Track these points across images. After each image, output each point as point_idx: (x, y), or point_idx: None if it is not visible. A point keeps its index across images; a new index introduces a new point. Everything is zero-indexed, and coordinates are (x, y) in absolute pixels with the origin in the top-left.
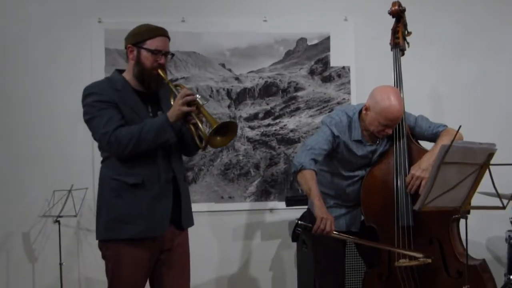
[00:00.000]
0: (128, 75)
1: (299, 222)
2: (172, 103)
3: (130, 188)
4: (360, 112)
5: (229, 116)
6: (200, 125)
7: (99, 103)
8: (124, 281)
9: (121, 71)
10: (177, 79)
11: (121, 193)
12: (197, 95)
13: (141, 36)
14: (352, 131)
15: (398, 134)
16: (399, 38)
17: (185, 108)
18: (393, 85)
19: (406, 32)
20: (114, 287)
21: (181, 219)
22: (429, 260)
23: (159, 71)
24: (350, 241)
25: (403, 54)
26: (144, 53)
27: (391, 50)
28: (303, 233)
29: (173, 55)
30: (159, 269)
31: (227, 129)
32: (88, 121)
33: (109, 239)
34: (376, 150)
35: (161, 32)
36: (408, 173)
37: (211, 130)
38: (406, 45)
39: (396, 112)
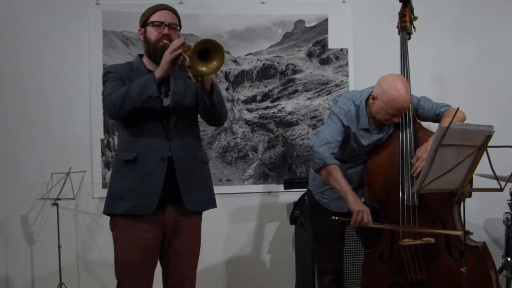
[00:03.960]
0: (145, 58)
1: (336, 218)
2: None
3: (125, 164)
4: (366, 100)
5: (227, 99)
6: (187, 60)
7: (110, 78)
8: (123, 256)
9: (142, 56)
10: None
11: (119, 169)
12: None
13: (144, 16)
14: (360, 120)
15: (405, 121)
16: (406, 22)
17: (170, 56)
18: (400, 68)
19: (412, 16)
20: (117, 264)
21: (182, 200)
22: (432, 240)
23: (165, 41)
24: (383, 229)
25: (409, 38)
26: (148, 28)
27: (398, 34)
28: (302, 215)
29: (180, 27)
30: (167, 252)
31: (211, 52)
32: (102, 94)
33: (108, 213)
34: (383, 138)
35: (161, 7)
36: (414, 155)
37: (190, 54)
38: (413, 29)
39: (403, 102)
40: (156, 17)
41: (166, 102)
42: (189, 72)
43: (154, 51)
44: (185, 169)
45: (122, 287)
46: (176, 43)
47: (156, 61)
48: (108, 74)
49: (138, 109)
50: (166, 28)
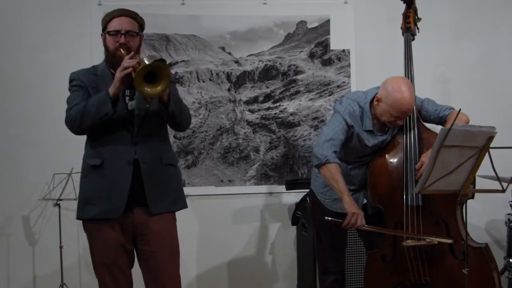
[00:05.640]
0: None
1: (328, 218)
2: None
3: (91, 169)
4: (371, 101)
5: (228, 99)
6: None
7: (73, 87)
8: (100, 261)
9: None
10: (177, 63)
11: (87, 174)
12: (145, 58)
13: (102, 22)
14: (364, 121)
15: (409, 123)
16: (410, 23)
17: (120, 74)
18: (404, 69)
19: (416, 17)
20: (94, 268)
21: (147, 202)
22: (436, 242)
23: (122, 50)
24: (376, 232)
25: (413, 39)
26: (107, 37)
27: (402, 35)
28: (304, 216)
29: (138, 34)
30: (142, 254)
31: (157, 74)
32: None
33: (79, 218)
34: (386, 140)
35: (118, 13)
36: (419, 159)
37: (134, 77)
38: (417, 30)
39: (407, 105)
40: (112, 25)
41: (131, 106)
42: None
43: (113, 60)
44: (151, 171)
45: (103, 287)
46: (126, 62)
47: (114, 68)
48: (72, 82)
49: (98, 124)
50: (123, 37)
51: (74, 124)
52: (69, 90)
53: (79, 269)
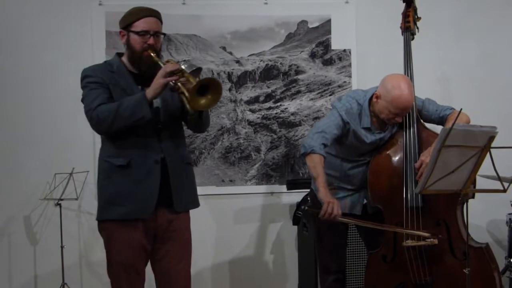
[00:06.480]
0: (125, 58)
1: (306, 207)
2: None
3: (117, 169)
4: (370, 99)
5: (229, 99)
6: (185, 92)
7: (91, 84)
8: (117, 261)
9: (121, 54)
10: (177, 62)
11: (111, 175)
12: (183, 65)
13: (128, 19)
14: (362, 119)
15: (408, 121)
16: (409, 22)
17: (163, 80)
18: (403, 68)
19: (416, 17)
20: (109, 267)
21: (172, 201)
22: (436, 241)
23: (149, 51)
24: (353, 224)
25: (413, 38)
26: (132, 36)
27: (402, 34)
28: (305, 215)
29: (164, 34)
30: (157, 253)
31: (210, 88)
32: (82, 101)
33: (102, 219)
34: (384, 138)
35: (147, 13)
36: (418, 158)
37: (191, 90)
38: (416, 29)
39: (406, 102)
40: (141, 25)
41: (156, 103)
42: (183, 99)
43: (139, 60)
44: (176, 170)
45: (116, 287)
46: (169, 67)
47: (140, 68)
48: (87, 79)
49: (129, 127)
50: (151, 38)
51: (103, 124)
52: (84, 87)
53: (80, 269)
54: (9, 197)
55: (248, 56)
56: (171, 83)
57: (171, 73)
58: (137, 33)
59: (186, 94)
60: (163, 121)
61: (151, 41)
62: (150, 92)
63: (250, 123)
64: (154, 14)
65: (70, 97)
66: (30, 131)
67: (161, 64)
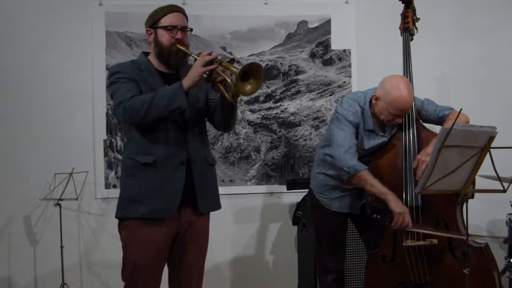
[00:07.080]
0: (151, 57)
1: (377, 216)
2: None
3: (142, 167)
4: (370, 101)
5: None
6: (227, 79)
7: (121, 79)
8: (135, 260)
9: (147, 54)
10: None
11: (135, 172)
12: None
13: (154, 17)
14: (365, 121)
15: (407, 121)
16: (408, 23)
17: (202, 69)
18: (403, 69)
19: (415, 17)
20: (126, 265)
21: (197, 202)
22: (435, 241)
23: (178, 45)
24: (422, 233)
25: (412, 39)
26: (160, 31)
27: (401, 35)
28: (304, 215)
29: (191, 29)
30: (176, 252)
31: (252, 74)
32: (112, 96)
33: (123, 217)
34: (385, 141)
35: (174, 9)
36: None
37: (236, 77)
38: (415, 30)
39: (405, 103)
40: (168, 20)
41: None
42: (221, 89)
43: (168, 56)
44: (200, 171)
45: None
46: (207, 57)
47: (169, 64)
48: (117, 74)
49: (163, 118)
50: (179, 32)
51: (138, 115)
52: (114, 82)
53: (80, 269)
54: (9, 197)
55: (248, 56)
56: (206, 73)
57: (210, 62)
58: (165, 28)
59: (228, 81)
60: (190, 121)
61: (179, 35)
62: (187, 81)
63: (250, 123)
64: (180, 9)
65: (70, 97)
66: (30, 131)
67: (195, 56)
